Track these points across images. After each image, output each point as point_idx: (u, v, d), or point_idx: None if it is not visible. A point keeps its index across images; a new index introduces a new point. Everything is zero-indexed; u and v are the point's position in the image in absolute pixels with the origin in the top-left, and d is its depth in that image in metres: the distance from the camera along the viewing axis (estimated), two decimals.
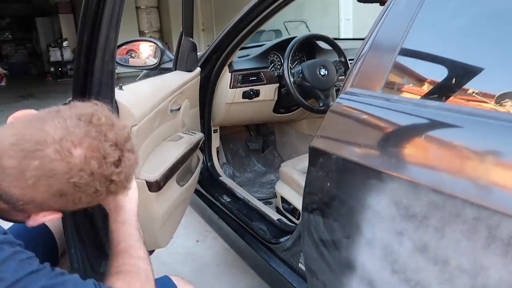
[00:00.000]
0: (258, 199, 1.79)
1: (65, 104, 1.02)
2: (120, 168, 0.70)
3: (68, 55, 9.53)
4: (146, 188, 1.17)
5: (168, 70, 1.69)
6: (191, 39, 1.65)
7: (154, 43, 1.89)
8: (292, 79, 1.81)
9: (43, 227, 1.09)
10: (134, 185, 0.90)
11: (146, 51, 1.94)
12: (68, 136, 0.65)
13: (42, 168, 0.64)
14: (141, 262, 0.83)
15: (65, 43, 9.56)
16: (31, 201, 0.68)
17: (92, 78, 1.00)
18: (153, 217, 1.26)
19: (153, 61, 1.85)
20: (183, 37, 1.62)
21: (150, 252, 1.40)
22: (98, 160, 0.67)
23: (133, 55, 1.94)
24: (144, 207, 1.20)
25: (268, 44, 2.16)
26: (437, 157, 0.68)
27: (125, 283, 0.78)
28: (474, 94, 0.70)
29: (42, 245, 1.07)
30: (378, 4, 1.43)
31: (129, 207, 0.90)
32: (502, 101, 0.66)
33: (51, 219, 0.73)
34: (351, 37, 4.89)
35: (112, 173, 0.69)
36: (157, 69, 1.81)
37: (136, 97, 1.20)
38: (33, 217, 0.72)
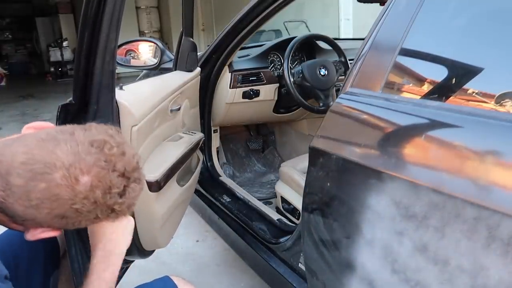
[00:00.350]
0: (258, 199, 1.79)
1: (67, 104, 1.02)
2: (123, 199, 0.70)
3: (68, 55, 9.53)
4: (146, 188, 1.17)
5: (168, 70, 1.69)
6: (191, 39, 1.65)
7: (154, 43, 1.89)
8: (292, 79, 1.81)
9: None
10: (130, 226, 0.87)
11: (146, 51, 1.94)
12: (77, 163, 0.65)
13: (48, 192, 0.64)
14: None
15: (65, 43, 9.56)
16: (32, 219, 0.68)
17: (92, 78, 1.00)
18: (153, 217, 1.26)
19: (153, 61, 1.86)
20: (183, 37, 1.62)
21: (150, 252, 1.40)
22: (103, 190, 0.67)
23: (133, 55, 1.94)
24: (144, 207, 1.21)
25: (268, 44, 2.16)
26: (437, 157, 0.68)
27: None
28: (474, 94, 0.71)
29: (44, 246, 1.07)
30: (378, 4, 1.43)
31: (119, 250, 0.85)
32: (502, 101, 0.66)
33: (50, 236, 0.73)
34: (351, 37, 4.89)
35: (115, 203, 0.69)
36: (157, 69, 1.81)
37: (136, 97, 1.20)
38: (32, 232, 0.72)
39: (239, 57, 2.02)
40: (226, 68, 1.89)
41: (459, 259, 0.62)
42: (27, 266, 1.03)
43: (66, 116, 1.01)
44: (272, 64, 2.08)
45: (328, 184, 0.89)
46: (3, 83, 9.20)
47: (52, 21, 10.36)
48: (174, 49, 1.69)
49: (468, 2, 0.83)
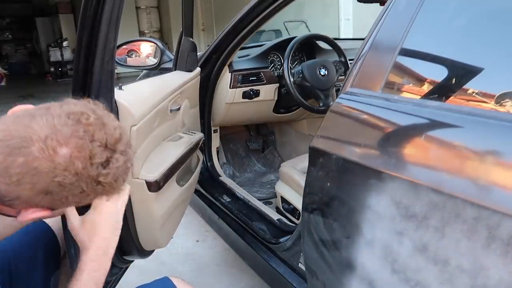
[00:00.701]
0: (258, 199, 1.79)
1: None
2: (107, 170, 0.68)
3: (68, 55, 9.53)
4: (146, 188, 1.17)
5: (168, 70, 1.69)
6: (191, 39, 1.65)
7: (154, 43, 1.89)
8: (292, 79, 1.81)
9: (46, 228, 1.09)
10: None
11: (146, 51, 1.94)
12: (54, 135, 0.64)
13: (26, 166, 0.63)
14: None
15: (65, 43, 9.56)
16: (17, 198, 0.67)
17: (91, 78, 1.00)
18: (152, 217, 1.26)
19: (153, 61, 1.86)
20: (183, 37, 1.62)
21: (150, 252, 1.40)
22: (83, 161, 0.65)
23: (133, 55, 1.94)
24: (143, 207, 1.21)
25: (268, 44, 2.16)
26: (437, 157, 0.68)
27: None
28: (474, 94, 0.70)
29: (44, 246, 1.07)
30: (378, 4, 1.43)
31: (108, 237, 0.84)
32: (502, 101, 0.66)
33: (41, 216, 0.72)
34: (351, 37, 4.89)
35: (99, 175, 0.68)
36: (157, 69, 1.81)
37: (136, 97, 1.20)
38: (22, 213, 0.71)
39: (239, 57, 2.02)
40: (226, 68, 1.89)
41: (459, 259, 0.62)
42: (27, 266, 1.02)
43: None
44: (272, 64, 2.08)
45: (328, 184, 0.89)
46: (3, 83, 9.21)
47: (52, 21, 10.37)
48: (174, 49, 1.70)
49: (468, 2, 0.83)
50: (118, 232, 0.85)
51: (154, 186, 1.19)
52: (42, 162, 0.64)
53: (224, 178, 1.99)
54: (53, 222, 1.10)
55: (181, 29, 1.63)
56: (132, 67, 2.07)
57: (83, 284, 0.78)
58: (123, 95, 1.13)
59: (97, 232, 0.81)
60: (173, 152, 1.35)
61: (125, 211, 1.16)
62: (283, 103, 2.13)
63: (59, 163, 0.64)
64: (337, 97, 0.94)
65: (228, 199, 1.81)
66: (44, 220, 1.02)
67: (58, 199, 0.68)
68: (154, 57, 1.86)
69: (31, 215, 0.71)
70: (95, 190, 0.70)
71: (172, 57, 1.75)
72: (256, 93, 2.01)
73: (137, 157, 1.14)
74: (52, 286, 1.08)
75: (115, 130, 0.71)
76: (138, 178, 1.16)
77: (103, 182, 0.69)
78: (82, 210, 0.82)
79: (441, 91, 0.78)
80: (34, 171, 0.64)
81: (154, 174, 1.20)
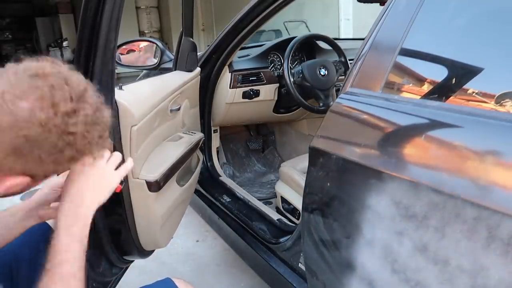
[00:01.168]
0: (258, 199, 1.80)
1: None
2: (75, 119, 0.65)
3: (68, 55, 9.52)
4: (146, 188, 1.17)
5: (168, 70, 1.69)
6: (191, 39, 1.65)
7: (154, 43, 1.89)
8: (292, 79, 1.81)
9: (46, 229, 1.07)
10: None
11: (146, 51, 1.94)
12: (11, 89, 0.63)
13: None
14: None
15: (65, 43, 9.55)
16: None
17: (92, 78, 1.00)
18: (153, 217, 1.26)
19: (153, 61, 1.86)
20: (183, 37, 1.63)
21: (150, 252, 1.40)
22: (46, 110, 0.63)
23: (133, 55, 1.94)
24: (144, 207, 1.21)
25: (268, 44, 2.16)
26: (437, 157, 0.68)
27: None
28: (474, 94, 0.71)
29: (45, 248, 1.04)
30: (378, 4, 1.43)
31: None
32: (502, 101, 0.66)
33: (19, 184, 0.68)
34: (351, 37, 4.90)
35: (68, 124, 0.64)
36: (157, 69, 1.81)
37: (136, 97, 1.20)
38: (0, 184, 0.67)
39: (239, 57, 2.02)
40: (226, 68, 1.89)
41: (459, 259, 0.62)
42: (28, 268, 1.00)
43: None
44: (272, 64, 2.08)
45: (328, 184, 0.89)
46: None
47: (52, 21, 10.37)
48: (174, 49, 1.70)
49: (468, 2, 0.83)
50: (98, 183, 0.81)
51: (155, 186, 1.19)
52: (2, 117, 0.61)
53: (224, 178, 1.99)
54: (54, 223, 1.09)
55: (181, 29, 1.63)
56: (132, 67, 2.07)
57: (61, 240, 0.75)
58: (123, 95, 1.13)
59: (71, 186, 0.78)
60: (173, 152, 1.35)
61: (126, 211, 1.15)
62: (283, 103, 2.13)
63: (21, 116, 0.62)
64: (337, 97, 0.94)
65: (228, 199, 1.81)
66: (46, 221, 1.00)
67: (31, 160, 0.65)
68: (154, 57, 1.86)
69: (9, 183, 0.67)
70: (68, 143, 0.65)
71: (172, 57, 1.75)
72: (256, 93, 2.01)
73: (137, 157, 1.15)
74: None
75: (79, 83, 0.68)
76: (138, 178, 1.16)
77: (75, 133, 0.65)
78: None
79: (441, 91, 0.78)
80: None
81: (154, 174, 1.20)
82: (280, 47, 2.07)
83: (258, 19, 1.57)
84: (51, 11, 10.12)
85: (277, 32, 5.44)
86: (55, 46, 9.57)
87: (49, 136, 0.64)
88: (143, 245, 1.31)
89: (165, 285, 0.95)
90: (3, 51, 11.37)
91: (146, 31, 9.62)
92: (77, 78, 0.69)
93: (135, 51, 1.95)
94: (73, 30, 9.67)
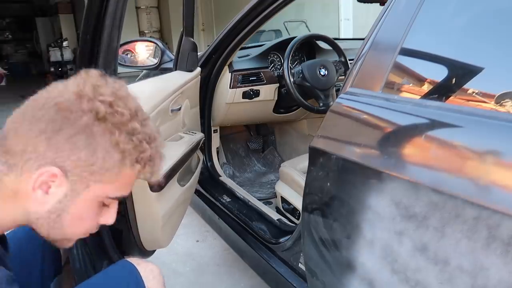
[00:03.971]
0: (258, 199, 1.80)
1: None
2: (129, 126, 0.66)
3: (68, 55, 9.53)
4: (148, 188, 1.17)
5: (168, 70, 1.69)
6: (192, 39, 1.65)
7: (155, 43, 1.89)
8: (292, 79, 1.81)
9: None
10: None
11: (146, 51, 1.94)
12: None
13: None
14: None
15: (65, 43, 9.56)
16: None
17: None
18: (154, 217, 1.26)
19: (153, 61, 1.86)
20: (183, 37, 1.62)
21: (151, 252, 1.40)
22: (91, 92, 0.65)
23: (133, 55, 1.94)
24: (145, 207, 1.21)
25: (268, 44, 2.16)
26: (437, 157, 0.68)
27: None
28: (474, 94, 0.71)
29: (42, 253, 1.00)
30: (378, 4, 1.43)
31: None
32: (502, 101, 0.66)
33: (51, 178, 0.64)
34: (351, 37, 4.90)
35: (113, 114, 0.65)
36: (157, 69, 1.81)
37: (137, 97, 1.21)
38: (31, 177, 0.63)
39: (239, 57, 2.02)
40: (226, 68, 1.89)
41: (459, 259, 0.62)
42: (26, 271, 0.97)
43: None
44: (272, 64, 2.08)
45: (328, 184, 0.89)
46: (3, 83, 9.21)
47: (52, 21, 10.38)
48: (174, 49, 1.70)
49: (468, 2, 0.83)
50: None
51: (156, 187, 1.19)
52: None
53: (224, 178, 1.99)
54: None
55: (181, 29, 1.63)
56: (132, 67, 2.07)
57: None
58: None
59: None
60: (174, 152, 1.35)
61: (127, 211, 1.15)
62: (283, 103, 2.13)
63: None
64: (337, 97, 0.94)
65: (228, 199, 1.81)
66: None
67: (64, 139, 0.61)
68: (155, 57, 1.86)
69: (40, 176, 0.62)
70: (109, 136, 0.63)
71: (172, 57, 1.75)
72: (256, 93, 2.01)
73: None
74: None
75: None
76: (139, 178, 1.16)
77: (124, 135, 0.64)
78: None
79: (441, 91, 0.78)
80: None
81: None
82: (280, 47, 2.07)
83: (258, 19, 1.57)
84: (51, 11, 10.13)
85: (277, 32, 5.44)
86: (55, 46, 9.58)
87: (81, 112, 0.63)
88: (145, 245, 1.31)
89: (120, 267, 0.90)
90: (3, 51, 11.38)
91: (146, 31, 9.62)
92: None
93: (135, 51, 1.95)
94: (73, 30, 9.68)
